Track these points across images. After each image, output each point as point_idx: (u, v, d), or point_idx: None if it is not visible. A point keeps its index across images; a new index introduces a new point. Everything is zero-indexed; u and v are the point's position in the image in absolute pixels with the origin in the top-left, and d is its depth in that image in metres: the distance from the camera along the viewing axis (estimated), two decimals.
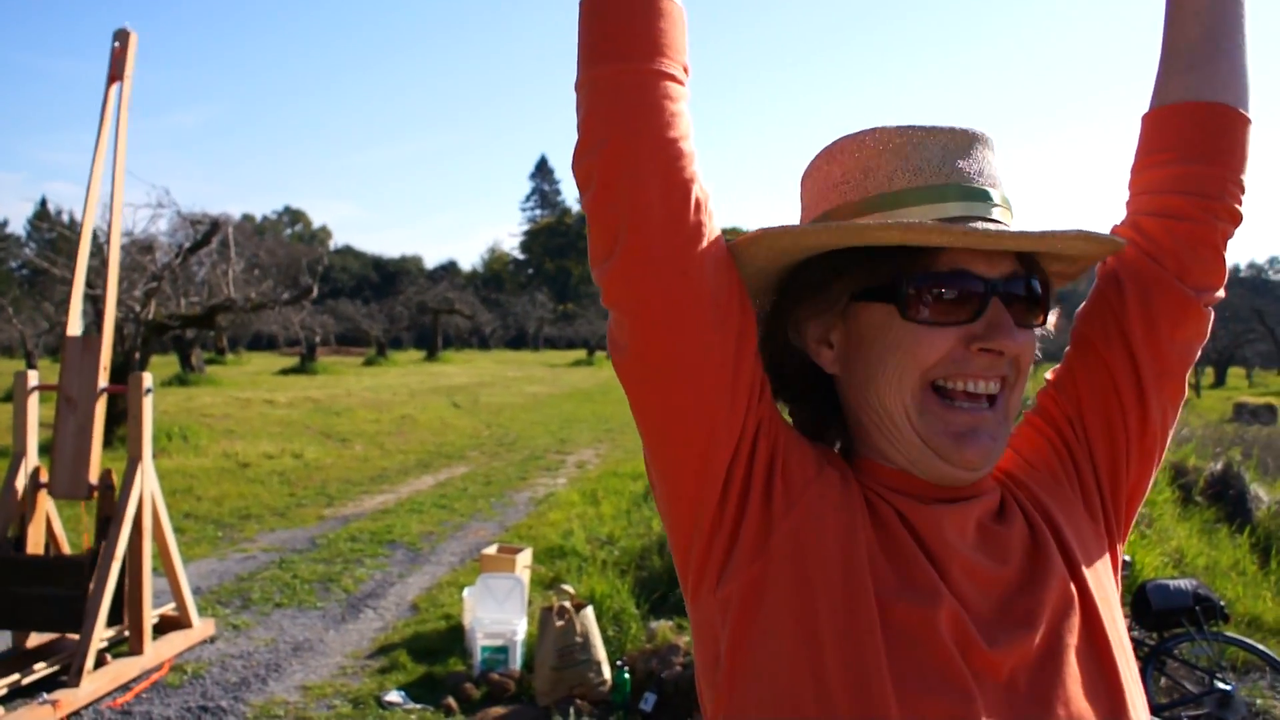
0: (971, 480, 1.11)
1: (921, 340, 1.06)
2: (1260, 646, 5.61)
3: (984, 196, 1.08)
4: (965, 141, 1.10)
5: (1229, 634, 5.58)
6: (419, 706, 5.63)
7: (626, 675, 5.62)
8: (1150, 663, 5.35)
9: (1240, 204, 1.22)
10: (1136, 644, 5.43)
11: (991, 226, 1.05)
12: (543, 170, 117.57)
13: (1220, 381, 49.57)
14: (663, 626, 6.06)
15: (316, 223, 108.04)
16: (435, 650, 6.51)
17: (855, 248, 1.08)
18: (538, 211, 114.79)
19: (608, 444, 18.17)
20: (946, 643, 1.01)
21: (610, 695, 5.60)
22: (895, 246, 1.05)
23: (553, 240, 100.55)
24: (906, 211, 1.07)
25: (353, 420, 19.64)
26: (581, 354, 52.22)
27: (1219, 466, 8.73)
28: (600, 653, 5.73)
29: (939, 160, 1.09)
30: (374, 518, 10.92)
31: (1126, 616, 5.65)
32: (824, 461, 1.12)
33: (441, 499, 12.14)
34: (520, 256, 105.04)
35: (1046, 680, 1.03)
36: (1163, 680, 5.53)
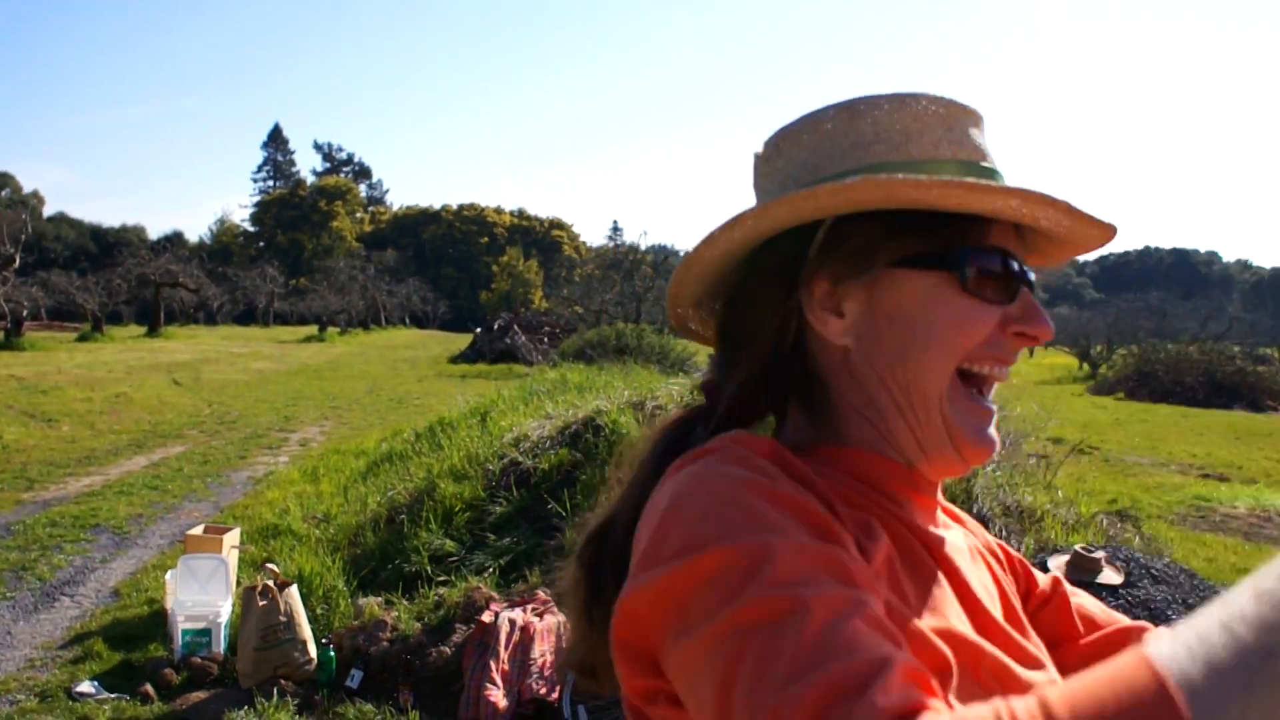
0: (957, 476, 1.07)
1: (974, 317, 0.99)
2: None
3: (1001, 179, 1.03)
4: (980, 119, 1.06)
5: None
6: (114, 696, 5.41)
7: (332, 653, 5.56)
8: None
9: None
10: None
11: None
12: (276, 139, 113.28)
13: None
14: (370, 603, 6.02)
15: (26, 187, 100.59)
16: (136, 637, 6.26)
17: (898, 211, 0.98)
18: (270, 182, 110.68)
19: (334, 421, 17.81)
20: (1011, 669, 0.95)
21: (316, 674, 5.53)
22: (946, 215, 0.98)
23: (285, 212, 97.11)
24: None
25: (61, 399, 18.46)
26: (312, 330, 50.81)
27: None
28: (306, 631, 5.64)
29: (974, 137, 1.04)
30: (79, 501, 10.36)
31: None
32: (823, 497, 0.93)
33: (154, 480, 11.63)
34: (251, 228, 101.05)
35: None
36: None
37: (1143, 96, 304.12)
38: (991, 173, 1.02)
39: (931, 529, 1.05)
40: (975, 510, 8.55)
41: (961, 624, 0.95)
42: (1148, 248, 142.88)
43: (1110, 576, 7.10)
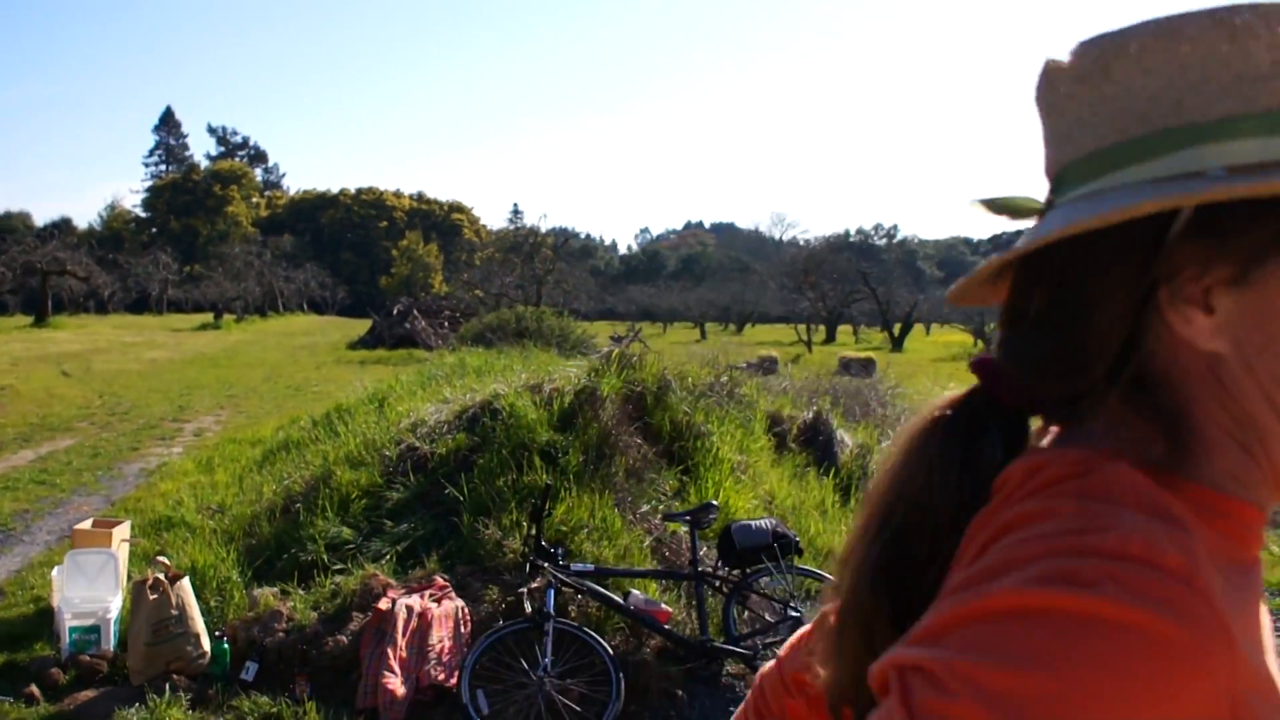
0: None
1: None
2: (828, 575, 6.16)
3: None
4: None
5: (802, 566, 6.09)
6: None
7: (226, 645, 5.47)
8: (733, 597, 5.76)
9: None
10: (721, 580, 5.84)
11: None
12: (168, 123, 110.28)
13: (830, 338, 53.52)
14: (265, 594, 5.93)
15: None
16: (20, 636, 6.08)
17: None
18: (163, 167, 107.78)
19: (230, 410, 17.47)
20: None
21: (209, 667, 5.44)
22: None
23: (179, 198, 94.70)
24: None
25: None
26: (208, 317, 49.78)
27: (810, 415, 9.46)
28: (198, 624, 5.54)
29: None
30: None
31: (715, 558, 6.06)
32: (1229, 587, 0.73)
33: (41, 474, 11.29)
34: (143, 215, 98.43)
35: None
36: (745, 613, 5.97)
37: None
38: None
39: (1264, 616, 0.84)
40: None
41: None
42: None
43: None
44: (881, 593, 0.87)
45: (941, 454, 0.88)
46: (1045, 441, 0.89)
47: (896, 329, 49.74)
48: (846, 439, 9.33)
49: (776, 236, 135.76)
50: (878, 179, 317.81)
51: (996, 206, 0.92)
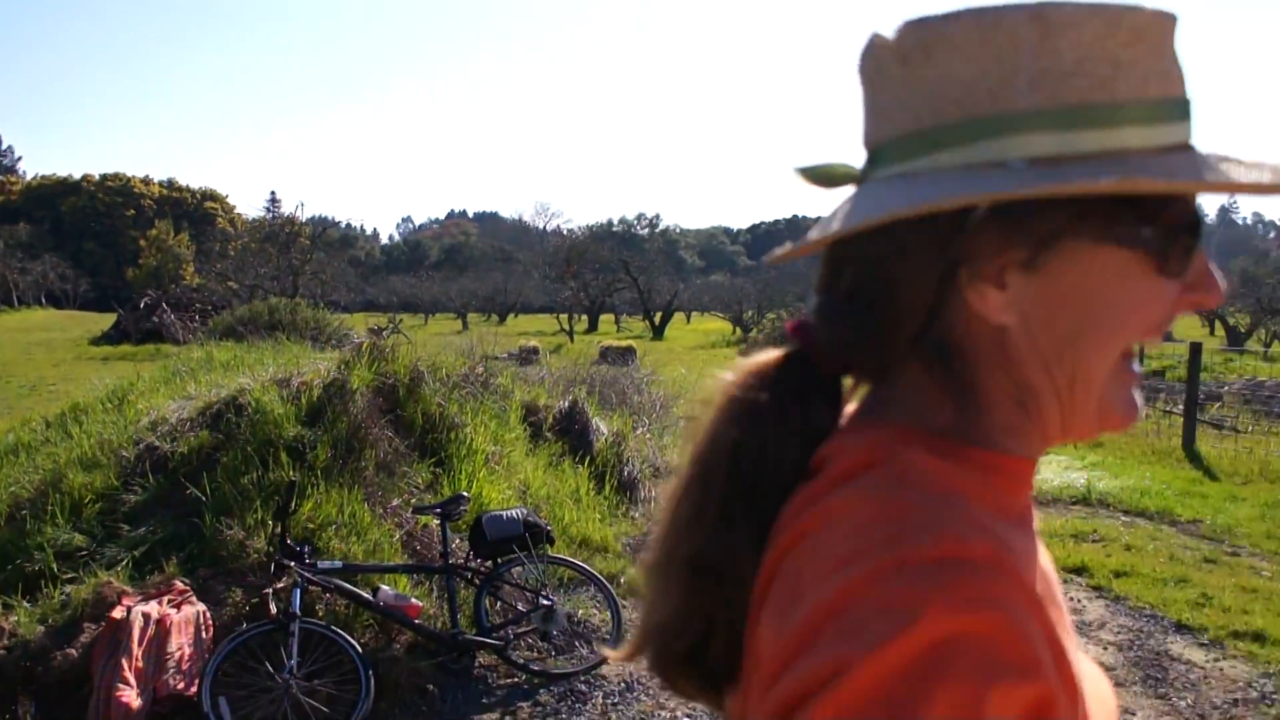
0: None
1: (1162, 296, 0.86)
2: (578, 562, 6.27)
3: (1192, 106, 0.88)
4: (1175, 30, 0.87)
5: (555, 555, 6.16)
6: None
7: None
8: (484, 588, 5.77)
9: None
10: (473, 572, 5.84)
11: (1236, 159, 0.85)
12: None
13: (593, 327, 54.03)
14: None
15: None
16: None
17: None
18: None
19: None
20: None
21: None
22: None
23: None
24: (1158, 132, 0.83)
25: None
26: None
27: (566, 404, 9.53)
28: None
29: (1178, 62, 0.86)
30: None
31: (467, 550, 6.05)
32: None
33: None
34: None
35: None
36: (497, 604, 5.99)
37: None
38: (1187, 105, 0.86)
39: (1040, 550, 0.94)
40: (626, 473, 8.87)
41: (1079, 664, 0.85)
42: (795, 217, 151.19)
43: None
44: (741, 538, 0.89)
45: (773, 415, 0.92)
46: (853, 406, 0.97)
47: (657, 318, 50.60)
48: (602, 427, 9.45)
49: (540, 226, 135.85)
50: (641, 169, 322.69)
51: (815, 175, 0.94)
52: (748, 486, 0.90)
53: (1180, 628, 6.72)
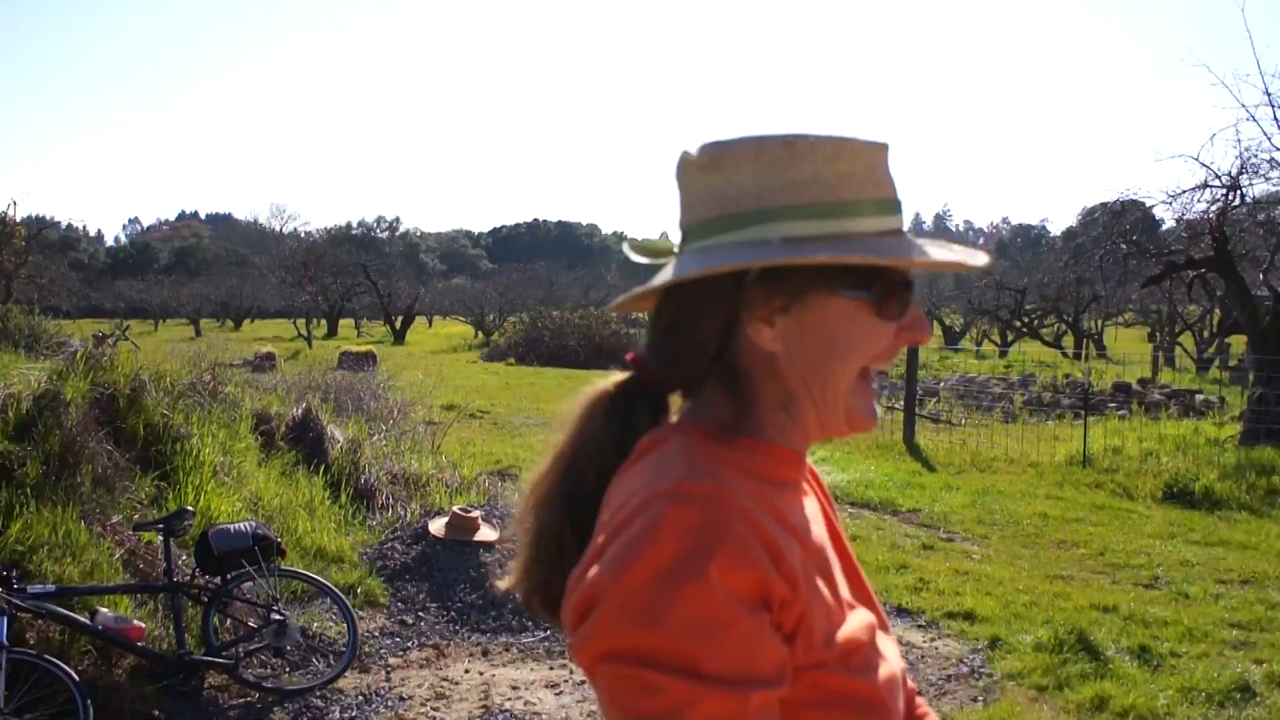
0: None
1: (880, 333, 1.22)
2: (311, 575, 6.12)
3: (901, 207, 1.27)
4: (887, 154, 1.25)
5: (287, 568, 5.99)
6: None
7: None
8: (213, 606, 5.55)
9: None
10: (200, 589, 5.61)
11: (940, 247, 1.25)
12: None
13: (333, 332, 52.73)
14: None
15: None
16: None
17: None
18: None
19: None
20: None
21: None
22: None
23: None
24: (871, 221, 1.21)
25: None
26: None
27: (300, 411, 9.26)
28: None
29: (887, 174, 1.25)
30: None
31: (191, 566, 5.81)
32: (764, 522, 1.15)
33: None
34: None
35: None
36: (227, 621, 5.78)
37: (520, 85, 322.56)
38: (897, 203, 1.24)
39: (803, 511, 1.29)
40: (363, 481, 8.70)
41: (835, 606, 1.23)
42: (536, 220, 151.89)
43: (487, 533, 7.51)
44: (567, 516, 1.24)
45: (608, 420, 1.27)
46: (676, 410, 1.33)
47: (399, 322, 49.86)
48: (337, 434, 9.22)
49: (276, 228, 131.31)
50: (380, 172, 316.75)
51: (642, 249, 1.35)
52: (583, 474, 1.25)
53: (901, 611, 7.12)
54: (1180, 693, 5.58)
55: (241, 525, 5.74)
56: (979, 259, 1.22)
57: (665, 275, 1.23)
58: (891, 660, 1.29)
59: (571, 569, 1.14)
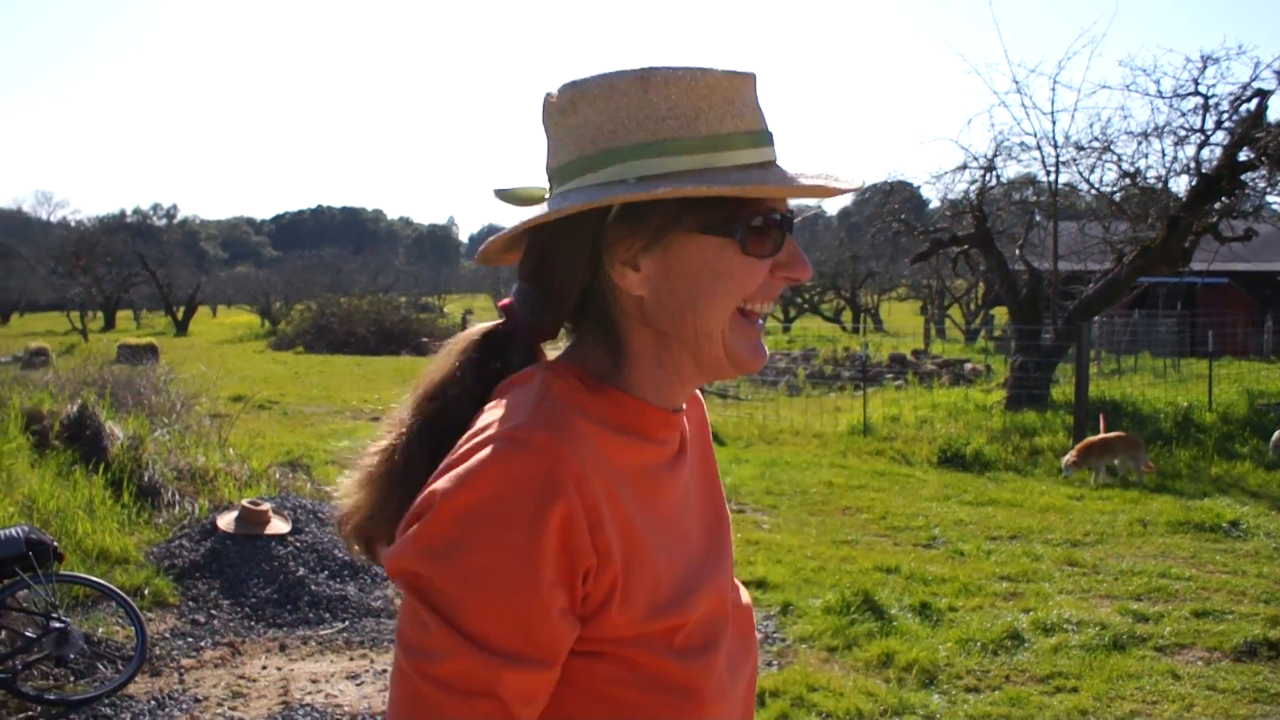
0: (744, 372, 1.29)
1: (750, 271, 1.17)
2: (93, 578, 5.88)
3: (773, 139, 1.22)
4: (754, 84, 1.20)
5: (66, 572, 5.74)
6: None
7: None
8: None
9: None
10: None
11: (806, 173, 1.21)
12: None
13: (110, 325, 50.28)
14: None
15: None
16: None
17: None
18: None
19: None
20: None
21: None
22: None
23: None
24: (737, 155, 1.16)
25: None
26: None
27: (75, 408, 8.85)
28: None
29: (752, 105, 1.19)
30: None
31: None
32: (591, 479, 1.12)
33: None
34: None
35: (741, 617, 1.34)
36: (2, 633, 5.51)
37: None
38: (767, 135, 1.20)
39: (661, 475, 1.25)
40: (146, 478, 8.39)
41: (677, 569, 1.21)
42: (320, 206, 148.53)
43: (278, 526, 7.37)
44: (425, 443, 1.20)
45: (478, 362, 1.24)
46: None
47: (180, 312, 47.98)
48: (117, 431, 8.83)
49: (44, 217, 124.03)
50: (154, 157, 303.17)
51: (511, 196, 1.30)
52: (441, 408, 1.23)
53: None
54: (958, 644, 5.92)
55: (13, 530, 5.46)
56: (852, 181, 1.20)
57: (520, 222, 1.20)
58: (730, 650, 1.25)
59: (411, 491, 1.13)
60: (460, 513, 1.04)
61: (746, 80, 1.19)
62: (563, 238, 1.18)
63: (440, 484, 1.06)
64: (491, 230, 1.40)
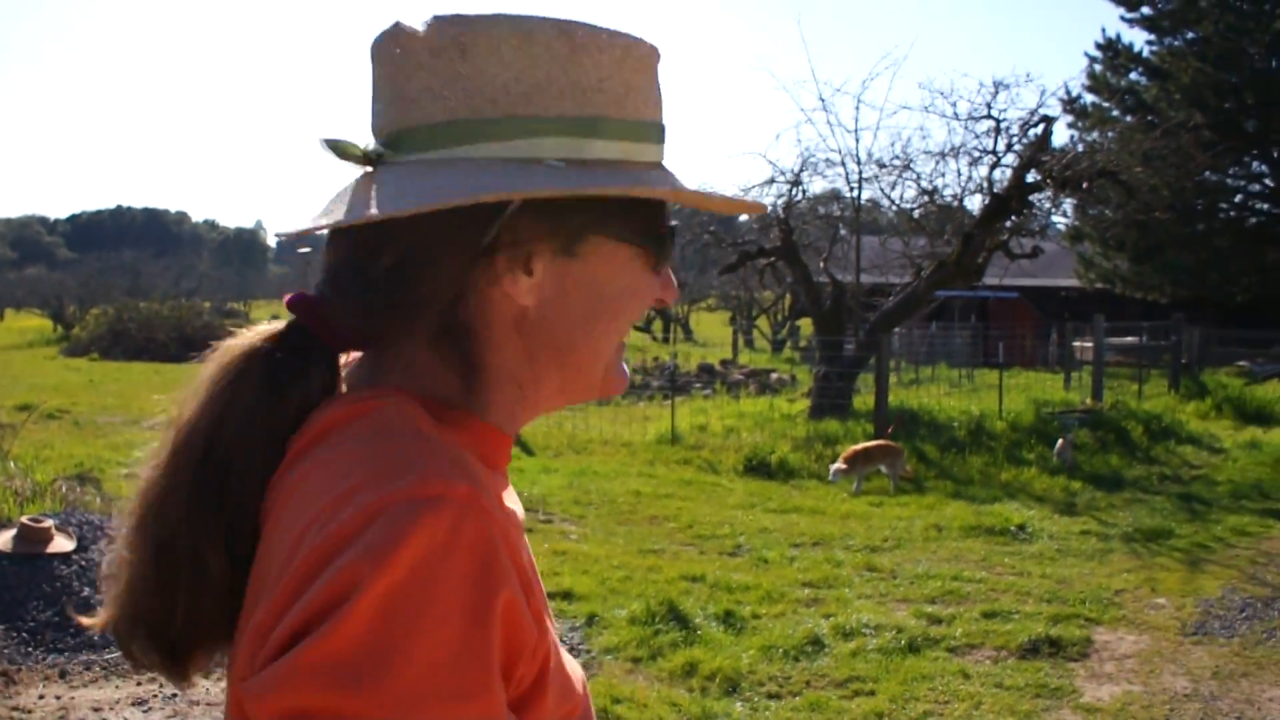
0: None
1: (652, 289, 1.00)
2: None
3: (664, 131, 1.04)
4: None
5: None
6: None
7: None
8: None
9: None
10: None
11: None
12: None
13: None
14: None
15: None
16: None
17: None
18: None
19: None
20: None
21: None
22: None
23: None
24: (652, 149, 0.99)
25: None
26: None
27: None
28: None
29: (660, 90, 1.01)
30: None
31: None
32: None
33: None
34: None
35: None
36: None
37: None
38: (664, 129, 1.01)
39: (518, 513, 1.02)
40: None
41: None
42: (120, 206, 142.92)
43: (62, 544, 6.97)
44: (209, 521, 0.89)
45: (267, 385, 0.92)
46: (346, 373, 1.00)
47: None
48: None
49: None
50: None
51: (335, 147, 0.96)
52: (225, 465, 0.90)
53: None
54: (761, 651, 6.00)
55: None
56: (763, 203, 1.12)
57: (391, 197, 0.90)
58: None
59: (210, 595, 0.89)
60: (379, 608, 0.73)
61: (658, 58, 1.00)
62: (442, 226, 0.89)
63: (328, 578, 0.75)
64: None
